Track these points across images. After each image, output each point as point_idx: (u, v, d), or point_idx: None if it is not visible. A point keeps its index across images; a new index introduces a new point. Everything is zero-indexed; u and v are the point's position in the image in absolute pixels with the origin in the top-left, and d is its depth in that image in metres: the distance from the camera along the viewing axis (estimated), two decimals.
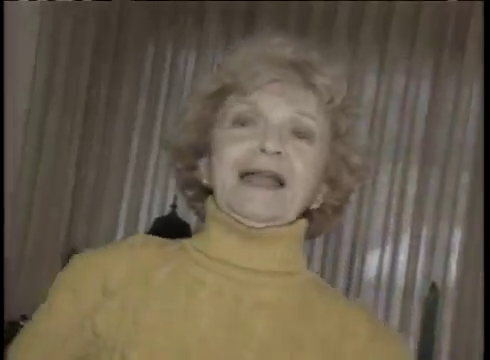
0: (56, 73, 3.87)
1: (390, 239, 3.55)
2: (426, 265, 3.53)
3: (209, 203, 1.35)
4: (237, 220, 1.30)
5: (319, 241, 3.54)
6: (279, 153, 1.28)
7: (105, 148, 3.86)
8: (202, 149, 1.37)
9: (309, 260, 3.51)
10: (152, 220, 3.60)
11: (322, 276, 3.39)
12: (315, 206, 1.39)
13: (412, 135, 3.54)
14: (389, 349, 1.35)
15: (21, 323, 3.48)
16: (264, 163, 1.28)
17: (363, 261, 3.56)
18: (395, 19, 3.58)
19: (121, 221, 3.82)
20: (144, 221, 3.74)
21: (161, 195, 3.75)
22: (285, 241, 1.38)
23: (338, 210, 1.44)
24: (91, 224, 3.83)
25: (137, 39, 3.84)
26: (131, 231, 3.69)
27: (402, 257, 3.57)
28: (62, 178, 3.80)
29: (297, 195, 1.32)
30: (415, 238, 3.52)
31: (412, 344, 3.46)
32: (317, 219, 1.43)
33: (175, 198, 3.45)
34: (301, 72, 1.33)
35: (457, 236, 3.54)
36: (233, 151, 1.30)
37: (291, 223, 1.35)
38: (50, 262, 3.75)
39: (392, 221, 3.56)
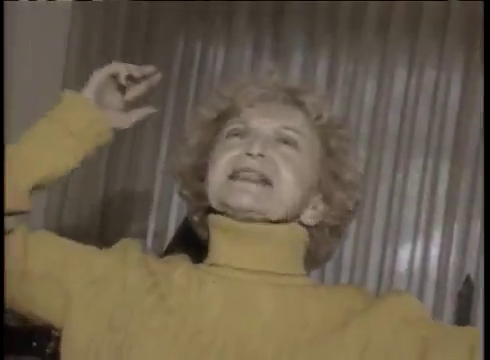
0: (86, 73, 3.85)
1: (422, 233, 3.54)
2: (459, 259, 3.52)
3: (210, 215, 1.45)
4: (229, 215, 1.38)
5: (350, 236, 3.54)
6: (262, 155, 1.38)
7: (135, 143, 3.89)
8: (203, 172, 1.47)
9: (340, 256, 3.50)
10: (181, 222, 3.63)
11: (353, 271, 3.38)
12: (312, 222, 1.46)
13: (443, 130, 3.51)
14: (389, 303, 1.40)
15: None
16: (249, 163, 1.38)
17: (395, 255, 3.55)
18: (425, 13, 3.55)
19: (151, 225, 3.85)
20: (173, 224, 3.76)
21: None
22: (277, 241, 1.44)
23: (336, 231, 1.50)
24: (123, 228, 3.81)
25: (166, 37, 3.87)
26: (161, 235, 3.73)
27: (434, 251, 3.56)
28: (92, 185, 3.80)
29: (284, 196, 1.39)
30: (447, 232, 3.48)
31: None
32: (316, 237, 1.49)
33: None
34: (290, 92, 1.47)
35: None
36: (224, 157, 1.41)
37: (283, 224, 1.43)
38: None
39: (423, 215, 3.54)
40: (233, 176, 1.40)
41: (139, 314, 1.40)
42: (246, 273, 1.43)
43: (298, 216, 1.45)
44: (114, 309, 1.43)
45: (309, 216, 1.47)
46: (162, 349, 1.38)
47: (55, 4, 3.94)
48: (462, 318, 3.30)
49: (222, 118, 1.49)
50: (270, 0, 3.72)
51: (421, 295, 3.55)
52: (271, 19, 3.72)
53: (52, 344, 3.43)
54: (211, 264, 1.45)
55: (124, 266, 1.47)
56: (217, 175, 1.42)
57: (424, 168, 3.52)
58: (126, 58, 3.73)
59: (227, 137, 1.45)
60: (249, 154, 1.40)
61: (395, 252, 3.59)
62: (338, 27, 3.62)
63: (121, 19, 3.86)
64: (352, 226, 3.49)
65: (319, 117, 1.47)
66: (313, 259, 1.53)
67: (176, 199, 3.73)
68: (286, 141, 1.44)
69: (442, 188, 3.51)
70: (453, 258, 3.53)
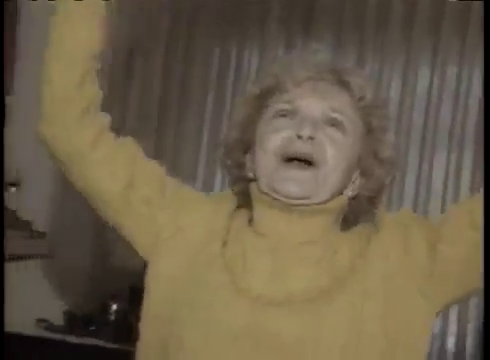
0: (132, 73, 3.99)
1: None
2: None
3: (253, 188, 1.47)
4: (276, 198, 1.43)
5: None
6: (312, 138, 1.42)
7: (178, 141, 4.08)
8: (247, 146, 1.51)
9: None
10: None
11: None
12: (351, 194, 1.50)
13: (465, 125, 3.65)
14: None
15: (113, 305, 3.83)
16: (300, 147, 1.41)
17: None
18: (447, 12, 3.70)
19: None
20: None
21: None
22: (321, 215, 1.49)
23: (372, 202, 1.53)
24: None
25: (204, 44, 4.07)
26: None
27: None
28: None
29: (329, 175, 1.44)
30: None
31: None
32: (354, 207, 1.52)
33: None
34: (335, 72, 1.49)
35: None
36: (273, 140, 1.44)
37: (326, 202, 1.47)
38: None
39: (448, 204, 3.71)
40: (284, 160, 1.43)
41: (209, 273, 1.49)
42: (291, 243, 1.48)
43: (341, 193, 1.49)
44: (193, 257, 1.52)
45: (349, 189, 1.50)
46: (223, 299, 1.45)
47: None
48: None
49: (266, 95, 1.51)
50: (299, 5, 3.88)
51: None
52: (301, 23, 3.88)
53: None
54: (258, 233, 1.49)
55: (214, 217, 1.55)
56: (268, 158, 1.44)
57: (448, 160, 3.66)
58: (168, 63, 4.05)
59: (274, 117, 1.47)
60: (300, 136, 1.43)
61: None
62: (364, 28, 3.76)
63: (163, 30, 4.06)
64: None
65: (363, 98, 1.49)
66: (351, 224, 1.54)
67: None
68: (333, 124, 1.46)
69: (465, 178, 3.65)
70: None
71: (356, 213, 1.52)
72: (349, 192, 1.49)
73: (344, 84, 1.48)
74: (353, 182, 1.49)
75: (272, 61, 3.73)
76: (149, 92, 4.11)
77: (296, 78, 1.47)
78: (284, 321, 1.43)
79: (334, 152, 1.44)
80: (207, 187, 4.00)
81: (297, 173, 1.42)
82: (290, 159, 1.42)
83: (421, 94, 3.71)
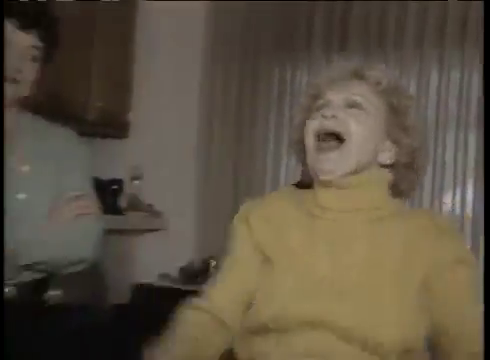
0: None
1: (459, 185, 3.71)
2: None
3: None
4: (318, 176, 1.46)
5: None
6: (334, 116, 1.43)
7: (251, 144, 4.08)
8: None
9: None
10: None
11: None
12: (389, 161, 1.49)
13: (468, 113, 3.66)
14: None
15: (212, 262, 3.79)
16: (326, 124, 1.44)
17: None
18: (449, 29, 3.66)
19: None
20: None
21: None
22: (364, 184, 1.46)
23: (410, 166, 1.50)
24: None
25: (265, 71, 4.09)
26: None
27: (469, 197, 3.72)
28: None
29: (355, 148, 1.43)
30: (477, 185, 3.66)
31: None
32: (396, 174, 1.49)
33: None
34: (355, 70, 1.50)
35: None
36: (310, 124, 1.47)
37: (365, 170, 1.44)
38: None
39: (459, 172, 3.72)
40: (317, 139, 1.45)
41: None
42: (344, 213, 1.46)
43: (374, 160, 1.47)
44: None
45: (385, 158, 1.48)
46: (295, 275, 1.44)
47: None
48: None
49: (314, 101, 1.52)
50: (334, 31, 3.94)
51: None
52: (337, 43, 3.90)
53: None
54: (318, 205, 1.49)
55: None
56: (308, 139, 1.47)
57: (456, 139, 3.71)
58: (242, 84, 4.14)
59: (314, 112, 1.50)
60: (324, 116, 1.45)
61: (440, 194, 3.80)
62: (386, 44, 3.82)
63: (235, 63, 4.13)
64: None
65: (379, 83, 1.47)
66: (399, 192, 1.52)
67: None
68: (353, 105, 1.46)
69: (471, 152, 3.69)
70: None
71: (399, 180, 1.50)
72: (386, 160, 1.48)
73: (362, 77, 1.49)
74: (388, 151, 1.47)
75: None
76: (229, 109, 4.13)
77: (327, 82, 1.51)
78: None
79: (356, 126, 1.43)
80: (274, 180, 4.04)
81: (327, 155, 1.43)
82: (322, 137, 1.45)
83: (432, 93, 3.78)
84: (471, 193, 3.70)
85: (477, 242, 3.59)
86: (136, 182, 3.98)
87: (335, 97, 1.48)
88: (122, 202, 3.89)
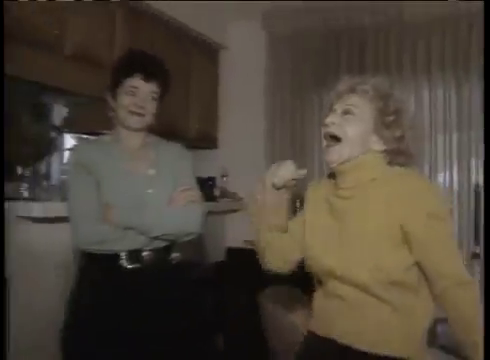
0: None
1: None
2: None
3: None
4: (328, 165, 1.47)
5: None
6: (333, 123, 1.42)
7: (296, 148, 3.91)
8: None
9: None
10: None
11: None
12: (380, 148, 1.41)
13: (470, 115, 3.46)
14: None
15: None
16: (328, 130, 1.42)
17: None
18: (447, 57, 3.52)
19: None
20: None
21: None
22: (357, 168, 1.40)
23: (397, 151, 1.42)
24: None
25: (307, 90, 3.84)
26: None
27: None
28: None
29: (348, 144, 1.39)
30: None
31: None
32: (390, 155, 1.42)
33: None
34: (351, 86, 1.45)
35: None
36: (322, 129, 1.45)
37: (360, 156, 1.39)
38: None
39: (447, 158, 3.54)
40: (325, 143, 1.43)
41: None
42: (347, 190, 1.43)
43: (368, 149, 1.40)
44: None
45: (376, 147, 1.41)
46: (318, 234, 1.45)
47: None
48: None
49: (329, 110, 1.49)
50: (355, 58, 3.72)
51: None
52: (358, 67, 3.69)
53: None
54: (337, 186, 1.47)
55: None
56: (323, 139, 1.45)
57: (460, 136, 3.48)
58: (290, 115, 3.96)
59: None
60: (325, 125, 1.43)
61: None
62: (403, 68, 3.62)
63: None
64: None
65: (366, 92, 1.41)
66: (399, 164, 1.42)
67: None
68: (346, 112, 1.42)
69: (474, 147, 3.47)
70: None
71: (393, 159, 1.42)
72: (378, 148, 1.41)
73: (354, 90, 1.44)
74: (378, 142, 1.40)
75: None
76: (282, 125, 3.95)
77: (335, 96, 1.46)
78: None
79: (349, 128, 1.40)
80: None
81: (330, 150, 1.42)
82: (327, 138, 1.44)
83: (439, 103, 3.57)
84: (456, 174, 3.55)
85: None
86: (224, 179, 4.00)
87: (338, 107, 1.45)
88: (216, 192, 3.87)
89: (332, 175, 1.51)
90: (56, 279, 2.18)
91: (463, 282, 1.26)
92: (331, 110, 1.47)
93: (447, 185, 3.55)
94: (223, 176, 4.01)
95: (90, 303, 1.74)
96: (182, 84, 3.57)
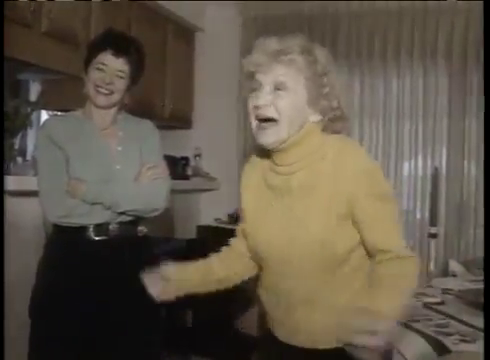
0: None
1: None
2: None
3: None
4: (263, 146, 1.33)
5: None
6: (265, 105, 1.25)
7: None
8: None
9: None
10: None
11: None
12: (317, 119, 1.29)
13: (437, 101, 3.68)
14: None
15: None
16: (260, 114, 1.27)
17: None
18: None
19: None
20: None
21: None
22: (296, 144, 1.28)
23: (334, 119, 1.31)
24: None
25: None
26: None
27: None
28: None
29: (286, 123, 1.25)
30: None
31: None
32: (327, 125, 1.31)
33: None
34: (275, 54, 1.26)
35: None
36: (249, 107, 1.29)
37: (295, 136, 1.26)
38: None
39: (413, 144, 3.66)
40: (258, 124, 1.27)
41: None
42: (287, 167, 1.30)
43: (305, 121, 1.27)
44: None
45: (313, 118, 1.28)
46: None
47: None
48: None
49: (247, 80, 1.30)
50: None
51: None
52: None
53: None
54: (274, 163, 1.34)
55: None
56: (251, 120, 1.29)
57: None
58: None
59: (250, 92, 1.30)
60: (257, 107, 1.26)
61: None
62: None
63: None
64: None
65: (293, 61, 1.24)
66: (337, 132, 1.31)
67: None
68: (277, 88, 1.25)
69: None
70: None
71: (331, 127, 1.31)
72: (315, 119, 1.29)
73: (278, 61, 1.25)
74: (314, 113, 1.27)
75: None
76: None
77: (254, 64, 1.29)
78: None
79: (283, 108, 1.24)
80: None
81: (264, 132, 1.26)
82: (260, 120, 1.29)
83: (407, 90, 3.68)
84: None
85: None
86: (197, 158, 4.00)
87: (264, 81, 1.27)
88: (189, 171, 3.85)
89: (264, 152, 1.37)
90: (29, 251, 2.17)
91: (401, 256, 1.20)
92: (252, 81, 1.29)
93: (412, 170, 3.60)
94: (196, 156, 4.00)
95: (57, 272, 1.76)
96: (158, 65, 3.52)
